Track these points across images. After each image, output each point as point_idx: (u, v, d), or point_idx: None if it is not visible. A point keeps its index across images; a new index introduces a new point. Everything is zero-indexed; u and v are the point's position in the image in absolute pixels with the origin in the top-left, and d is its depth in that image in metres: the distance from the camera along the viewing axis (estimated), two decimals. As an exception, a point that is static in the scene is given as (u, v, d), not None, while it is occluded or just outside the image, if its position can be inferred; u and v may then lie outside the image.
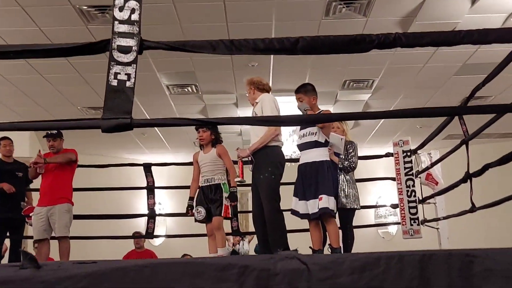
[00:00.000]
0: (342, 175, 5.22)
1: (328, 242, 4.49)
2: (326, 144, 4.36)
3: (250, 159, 4.62)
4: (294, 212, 4.37)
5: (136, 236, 8.11)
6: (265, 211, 4.42)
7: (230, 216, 5.04)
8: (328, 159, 4.35)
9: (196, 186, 5.08)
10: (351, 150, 5.34)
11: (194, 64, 7.66)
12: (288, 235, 4.52)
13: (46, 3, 5.80)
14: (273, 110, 4.61)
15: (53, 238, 5.63)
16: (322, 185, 4.16)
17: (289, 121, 1.96)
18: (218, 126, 5.13)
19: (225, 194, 4.86)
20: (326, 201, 4.11)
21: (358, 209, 5.49)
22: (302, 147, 4.40)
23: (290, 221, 4.68)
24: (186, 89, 8.70)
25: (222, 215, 4.82)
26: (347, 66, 7.86)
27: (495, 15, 6.21)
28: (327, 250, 4.41)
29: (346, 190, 5.27)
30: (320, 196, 4.13)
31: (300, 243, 5.08)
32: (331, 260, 1.31)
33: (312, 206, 4.18)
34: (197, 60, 7.49)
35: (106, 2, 5.80)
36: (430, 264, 1.29)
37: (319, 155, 4.29)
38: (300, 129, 4.47)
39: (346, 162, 5.16)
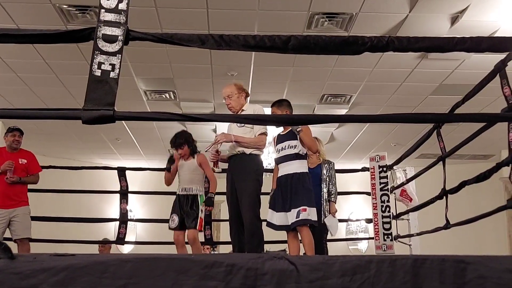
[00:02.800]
0: (322, 191, 5.36)
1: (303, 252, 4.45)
2: (305, 156, 4.35)
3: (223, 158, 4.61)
4: (270, 224, 4.33)
5: (104, 241, 7.97)
6: (246, 217, 4.35)
7: (202, 229, 4.96)
8: (307, 171, 4.34)
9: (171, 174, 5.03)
10: (333, 173, 5.55)
11: (173, 71, 7.59)
12: (265, 246, 4.48)
13: (25, 0, 5.68)
14: None
15: (8, 239, 5.47)
16: (304, 197, 4.13)
17: (274, 121, 1.92)
18: (194, 137, 5.07)
19: (201, 207, 4.78)
20: (309, 213, 4.09)
21: None
22: (281, 160, 4.38)
23: (267, 232, 4.63)
24: (163, 96, 8.61)
25: (197, 228, 4.73)
26: (326, 81, 7.89)
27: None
28: None
29: (324, 205, 5.39)
30: (302, 207, 4.09)
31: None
32: (321, 262, 1.26)
33: (291, 216, 4.14)
34: (176, 67, 7.43)
35: (87, 2, 5.71)
36: (422, 269, 1.25)
37: (299, 167, 4.28)
38: (277, 143, 4.44)
39: (333, 192, 5.41)
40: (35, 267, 1.21)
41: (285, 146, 4.36)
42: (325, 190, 5.50)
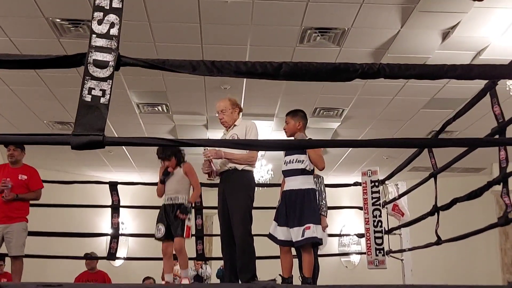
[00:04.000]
0: None
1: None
2: (312, 172, 4.30)
3: (215, 170, 4.55)
4: (272, 237, 4.29)
5: (88, 257, 7.89)
6: (237, 234, 4.33)
7: (189, 237, 4.83)
8: (314, 187, 4.29)
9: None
10: (323, 187, 5.55)
11: (166, 84, 7.60)
12: (257, 261, 4.46)
13: (18, 13, 5.68)
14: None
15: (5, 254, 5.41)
16: (309, 214, 4.09)
17: (269, 146, 1.90)
18: (186, 155, 5.06)
19: (188, 215, 4.76)
20: (314, 230, 4.04)
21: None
22: (287, 173, 4.33)
23: (260, 247, 4.63)
24: (156, 109, 8.61)
25: (185, 236, 4.69)
26: (319, 94, 7.93)
27: (464, 52, 6.37)
28: (298, 279, 4.34)
29: None
30: (307, 225, 4.04)
31: (267, 269, 5.03)
32: (310, 294, 1.26)
33: (296, 234, 4.10)
34: (169, 80, 7.44)
35: (80, 16, 5.72)
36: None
37: (305, 182, 4.23)
38: (286, 155, 4.40)
39: (324, 207, 5.41)
40: (22, 299, 1.20)
41: (293, 160, 4.29)
42: None
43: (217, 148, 4.48)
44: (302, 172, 4.22)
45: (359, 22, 5.88)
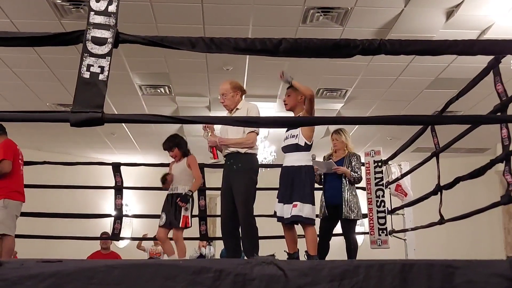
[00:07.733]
0: (345, 186, 5.06)
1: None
2: (306, 147, 4.23)
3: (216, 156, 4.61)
4: (274, 214, 4.34)
5: (104, 237, 7.92)
6: (241, 215, 4.36)
7: (190, 225, 5.14)
8: (308, 164, 4.25)
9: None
10: (355, 163, 5.17)
11: (169, 66, 7.57)
12: (262, 241, 4.50)
13: (18, -6, 5.65)
14: None
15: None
16: (297, 192, 4.07)
17: (266, 123, 1.89)
18: (187, 137, 5.18)
19: (186, 205, 5.03)
20: (300, 209, 4.03)
21: (360, 219, 5.38)
22: (285, 150, 4.33)
23: (264, 227, 4.67)
24: (159, 90, 8.59)
25: (181, 225, 4.97)
26: (322, 75, 7.89)
27: (468, 31, 6.31)
28: (303, 257, 4.36)
29: (349, 200, 5.07)
30: (294, 203, 4.04)
31: (273, 249, 5.08)
32: (309, 267, 1.27)
33: (286, 211, 4.13)
34: (171, 61, 7.41)
35: (81, -3, 5.69)
36: (411, 274, 1.26)
37: (298, 159, 4.20)
38: (286, 131, 4.37)
39: (355, 174, 5.09)
40: (21, 273, 1.21)
41: (288, 135, 4.27)
42: (344, 181, 5.12)
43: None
44: (297, 147, 4.20)
45: (362, 1, 5.83)
